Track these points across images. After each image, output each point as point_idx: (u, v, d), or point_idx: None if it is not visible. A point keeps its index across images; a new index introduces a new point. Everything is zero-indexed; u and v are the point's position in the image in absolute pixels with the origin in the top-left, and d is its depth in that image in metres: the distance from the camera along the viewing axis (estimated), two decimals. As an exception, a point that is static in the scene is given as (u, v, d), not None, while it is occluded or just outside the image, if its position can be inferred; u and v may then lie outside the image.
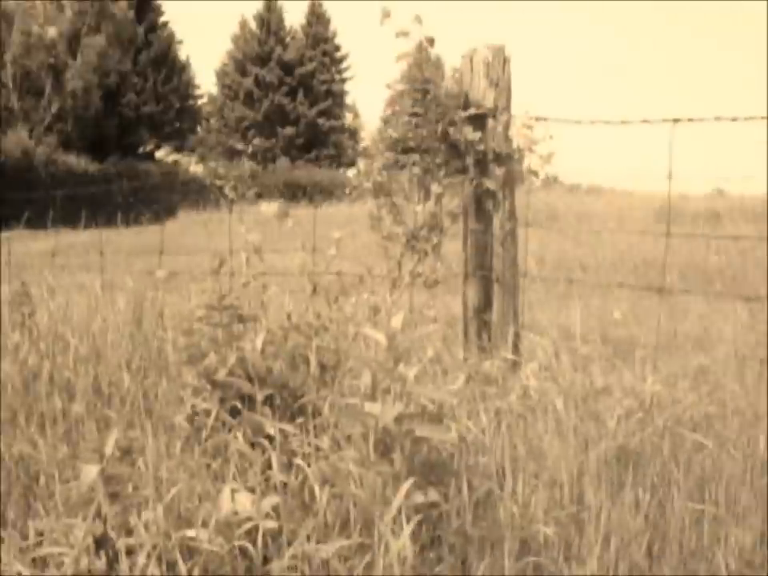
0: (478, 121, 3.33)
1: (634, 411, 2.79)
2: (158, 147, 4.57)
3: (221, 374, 3.05)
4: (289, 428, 2.56)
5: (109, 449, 2.33)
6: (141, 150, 5.13)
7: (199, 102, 62.61)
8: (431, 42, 3.32)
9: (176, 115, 55.48)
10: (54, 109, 44.51)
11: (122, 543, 2.28)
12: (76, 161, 39.72)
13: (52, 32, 44.85)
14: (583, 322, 3.11)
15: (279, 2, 65.24)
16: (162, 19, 56.13)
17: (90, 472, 2.28)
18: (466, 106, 3.37)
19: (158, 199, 33.76)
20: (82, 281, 5.66)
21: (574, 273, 10.77)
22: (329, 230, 3.88)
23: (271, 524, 2.25)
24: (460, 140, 3.32)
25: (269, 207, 3.96)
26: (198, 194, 29.68)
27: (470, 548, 2.13)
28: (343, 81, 65.48)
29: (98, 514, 2.29)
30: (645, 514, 2.35)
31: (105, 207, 16.78)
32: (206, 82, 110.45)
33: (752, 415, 2.80)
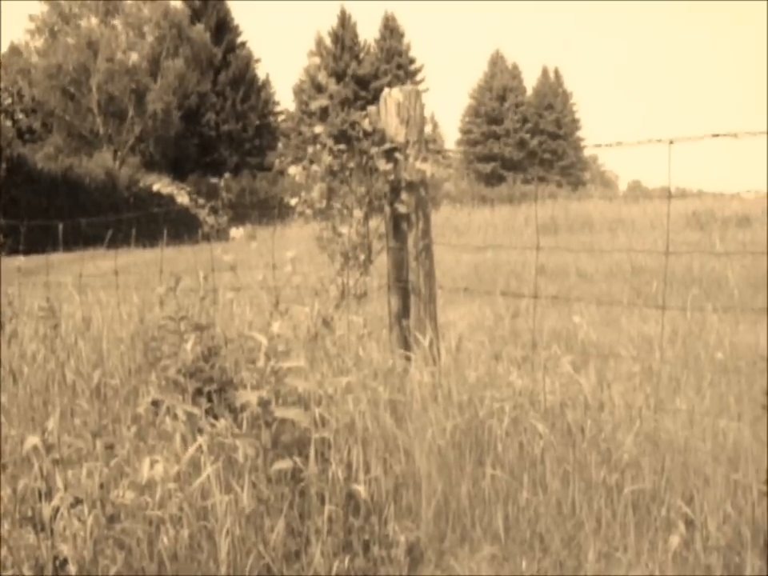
0: (392, 153, 3.91)
1: (504, 401, 3.32)
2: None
3: (171, 372, 3.69)
4: (195, 411, 3.18)
5: (50, 425, 2.98)
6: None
7: (279, 118, 63.98)
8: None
9: (255, 132, 56.80)
10: (136, 131, 46.33)
11: (66, 495, 2.93)
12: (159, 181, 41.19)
13: (134, 57, 46.73)
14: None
15: (354, 18, 66.22)
16: (240, 39, 57.67)
17: (31, 441, 2.95)
18: (382, 141, 3.94)
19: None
20: (124, 296, 6.24)
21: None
22: (287, 248, 4.50)
23: (172, 485, 2.88)
24: (379, 170, 3.90)
25: (237, 232, 4.58)
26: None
27: (308, 503, 2.73)
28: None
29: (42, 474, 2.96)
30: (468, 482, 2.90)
31: (181, 225, 17.51)
32: (285, 99, 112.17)
33: (597, 405, 3.31)
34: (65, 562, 2.79)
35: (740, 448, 2.95)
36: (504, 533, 2.93)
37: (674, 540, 2.77)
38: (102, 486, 3.00)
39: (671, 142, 3.32)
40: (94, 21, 47.69)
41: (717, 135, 3.23)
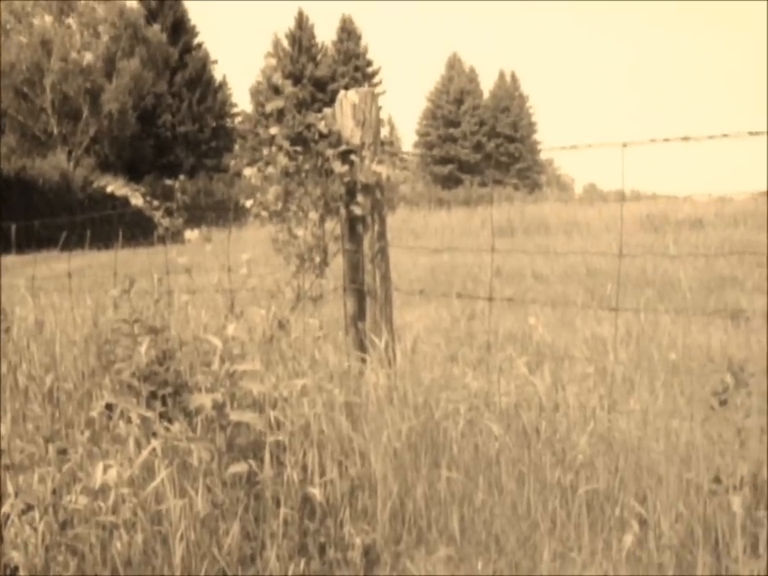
0: (348, 155, 3.91)
1: (459, 403, 3.33)
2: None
3: (125, 376, 3.65)
4: (149, 414, 3.16)
5: (1, 430, 2.96)
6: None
7: (235, 120, 63.61)
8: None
9: (212, 134, 56.42)
10: (91, 132, 45.79)
11: (17, 501, 2.90)
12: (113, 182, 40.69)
13: (88, 57, 46.19)
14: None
15: (311, 20, 66.05)
16: (197, 40, 57.28)
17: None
18: (338, 143, 3.94)
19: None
20: (77, 299, 6.17)
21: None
22: (244, 251, 4.48)
23: (126, 490, 2.86)
24: (335, 172, 3.90)
25: (192, 234, 4.55)
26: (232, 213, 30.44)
27: (263, 506, 2.72)
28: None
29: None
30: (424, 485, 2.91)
31: (136, 227, 17.34)
32: (242, 101, 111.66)
33: (552, 406, 3.34)
34: (16, 569, 2.75)
35: (692, 448, 2.99)
36: (460, 534, 2.94)
37: (628, 539, 2.79)
38: (54, 491, 2.97)
39: (624, 146, 3.35)
40: (47, 19, 47.06)
41: (668, 140, 3.27)
